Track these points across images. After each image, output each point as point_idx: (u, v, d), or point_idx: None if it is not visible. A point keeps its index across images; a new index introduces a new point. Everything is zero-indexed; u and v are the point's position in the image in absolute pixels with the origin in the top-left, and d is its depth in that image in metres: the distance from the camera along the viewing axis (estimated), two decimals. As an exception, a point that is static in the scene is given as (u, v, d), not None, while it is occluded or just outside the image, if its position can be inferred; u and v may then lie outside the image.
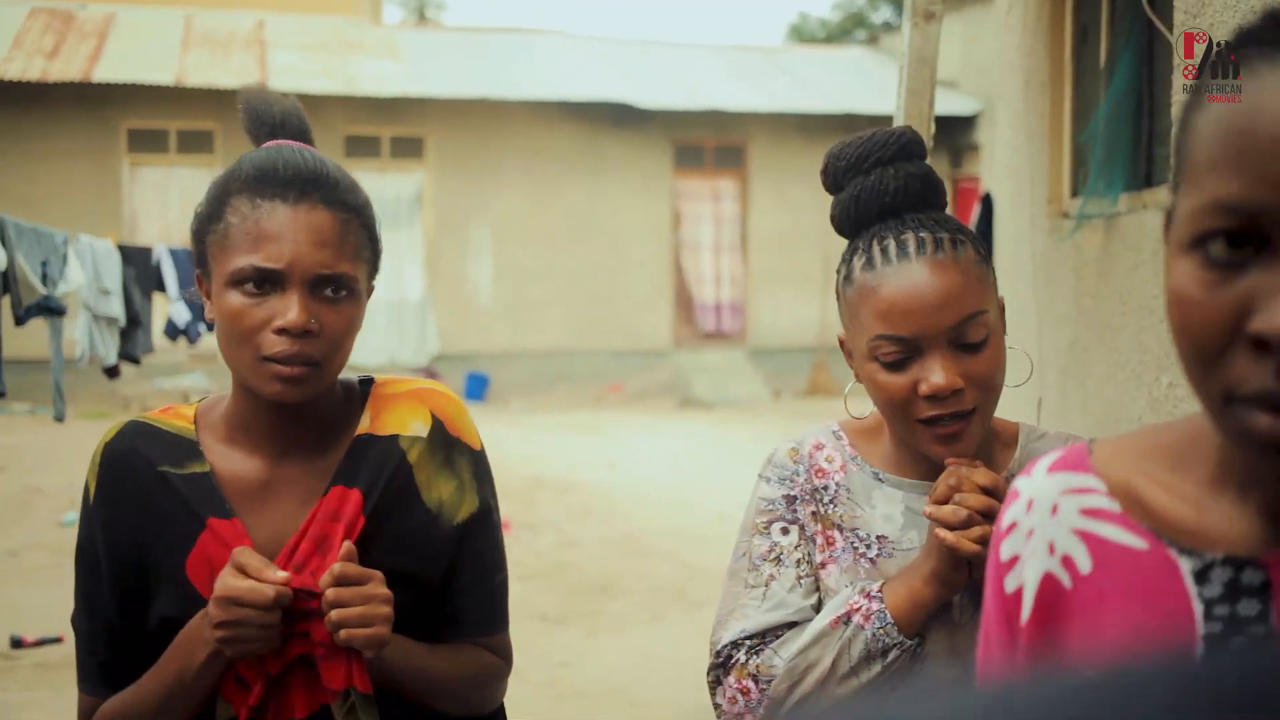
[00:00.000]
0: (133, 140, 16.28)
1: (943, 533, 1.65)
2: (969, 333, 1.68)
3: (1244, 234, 0.89)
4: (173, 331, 8.93)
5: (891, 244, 1.71)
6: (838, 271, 1.81)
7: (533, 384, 17.30)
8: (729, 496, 9.92)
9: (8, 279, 6.26)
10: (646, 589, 7.61)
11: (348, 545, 1.69)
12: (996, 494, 1.66)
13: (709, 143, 18.30)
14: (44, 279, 6.74)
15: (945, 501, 1.68)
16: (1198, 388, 0.95)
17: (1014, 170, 5.97)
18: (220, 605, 1.63)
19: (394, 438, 1.83)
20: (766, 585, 1.82)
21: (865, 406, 1.86)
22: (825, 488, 1.84)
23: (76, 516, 1.89)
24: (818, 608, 1.81)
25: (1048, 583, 1.15)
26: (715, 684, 1.83)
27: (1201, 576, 1.05)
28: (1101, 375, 4.63)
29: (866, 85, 18.19)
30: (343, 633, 1.65)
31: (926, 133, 3.06)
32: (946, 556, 1.67)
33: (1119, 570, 1.10)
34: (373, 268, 1.80)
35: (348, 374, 1.89)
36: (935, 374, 1.67)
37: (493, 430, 14.53)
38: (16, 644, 6.30)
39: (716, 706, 1.83)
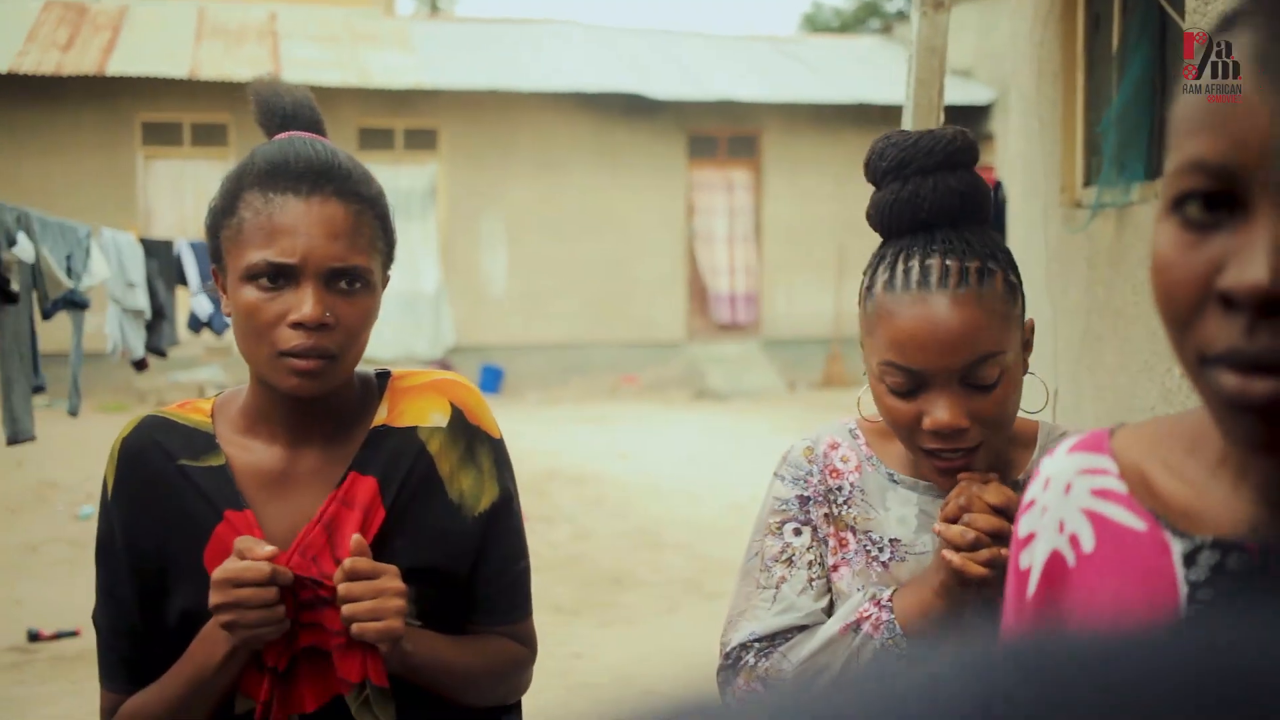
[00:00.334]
0: (147, 133, 16.31)
1: (949, 554, 1.63)
2: (981, 374, 1.64)
3: (1219, 196, 0.90)
4: (195, 324, 8.95)
5: (915, 268, 1.65)
6: (865, 272, 1.76)
7: (547, 376, 17.31)
8: (743, 488, 9.92)
9: (34, 272, 6.28)
10: (660, 580, 7.62)
11: (357, 539, 1.69)
12: (1008, 513, 1.62)
13: (723, 133, 18.27)
14: (68, 273, 6.77)
15: (956, 519, 1.65)
16: (1177, 352, 0.96)
17: (1027, 160, 5.96)
18: (218, 589, 1.64)
19: (413, 429, 1.83)
20: (777, 587, 1.81)
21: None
22: (839, 488, 1.83)
23: (93, 510, 1.90)
24: (829, 610, 1.81)
25: (1054, 560, 1.18)
26: (724, 685, 1.83)
27: (1189, 559, 1.07)
28: (1114, 365, 4.62)
29: (880, 74, 18.13)
30: (355, 626, 1.66)
31: (935, 122, 3.05)
32: (956, 573, 1.64)
33: (1118, 551, 1.13)
34: (387, 258, 1.80)
35: (364, 367, 1.89)
36: (940, 411, 1.64)
37: (507, 422, 14.43)
38: (34, 637, 6.33)
39: None
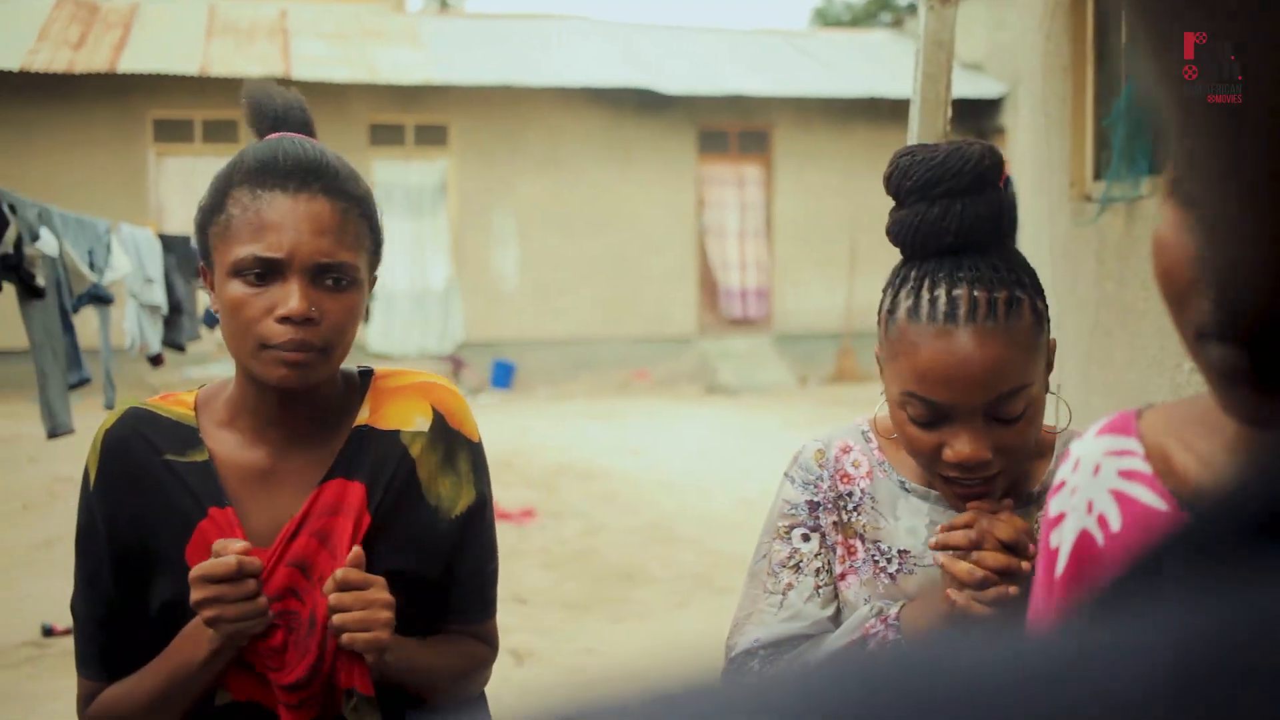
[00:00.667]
0: (158, 130, 16.36)
1: (954, 593, 1.60)
2: (1006, 408, 1.60)
3: None
4: (211, 320, 8.97)
5: (942, 298, 1.60)
6: (884, 291, 1.71)
7: (559, 371, 17.32)
8: (754, 483, 9.92)
9: (58, 267, 6.32)
10: (672, 576, 7.62)
11: (357, 551, 1.72)
12: (1020, 548, 1.60)
13: (733, 128, 18.26)
14: (90, 268, 6.81)
15: (963, 552, 1.62)
16: (1177, 328, 0.99)
17: (1036, 154, 5.95)
18: (195, 586, 1.67)
19: (395, 433, 1.85)
20: (784, 593, 1.81)
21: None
22: (850, 494, 1.82)
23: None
24: (835, 618, 1.80)
25: (1083, 539, 1.23)
26: None
27: None
28: (1124, 360, 4.62)
29: (892, 69, 18.09)
30: (345, 637, 1.69)
31: (943, 117, 3.06)
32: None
33: (1142, 530, 1.17)
34: (374, 257, 1.82)
35: (349, 365, 1.92)
36: (962, 444, 1.61)
37: (519, 418, 14.61)
38: (48, 632, 6.35)
39: None
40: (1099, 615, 0.31)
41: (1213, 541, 0.32)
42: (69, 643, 6.59)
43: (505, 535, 8.87)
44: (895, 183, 1.69)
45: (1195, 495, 1.13)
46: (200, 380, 11.57)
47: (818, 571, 1.81)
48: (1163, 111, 0.39)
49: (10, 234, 5.53)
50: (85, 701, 1.86)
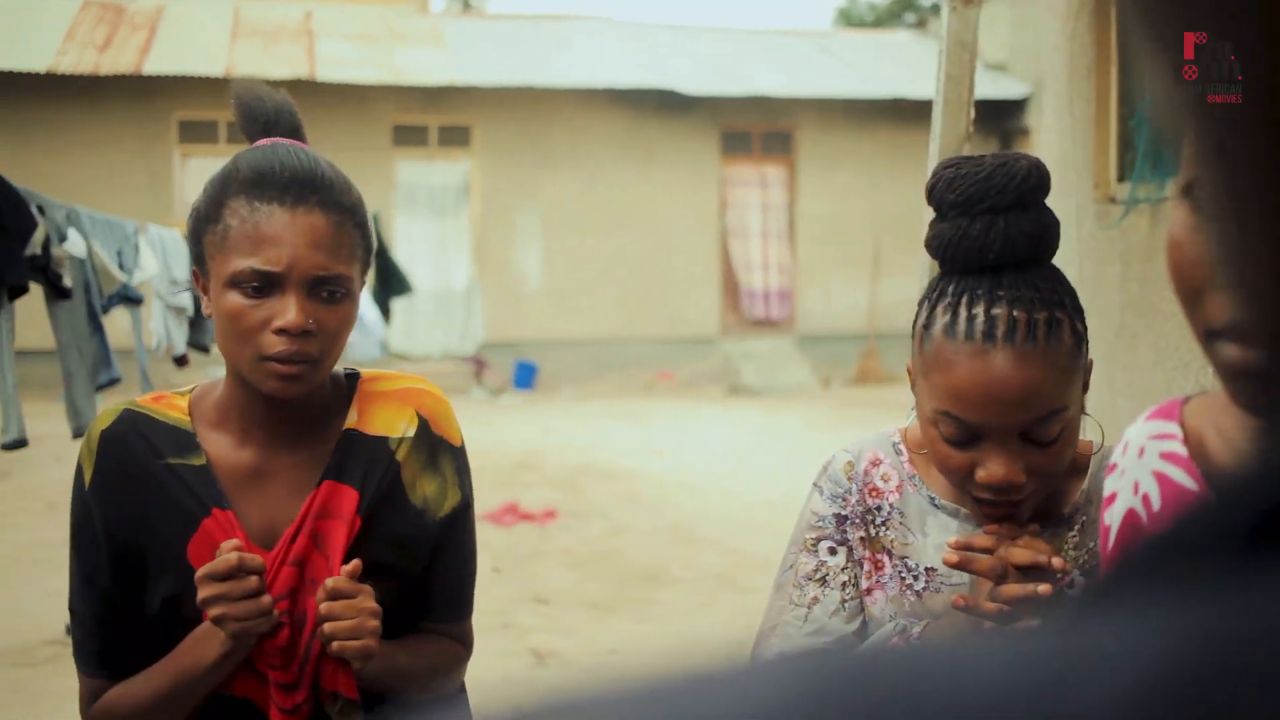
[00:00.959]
0: (183, 131, 16.44)
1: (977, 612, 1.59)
2: (1042, 431, 1.58)
3: None
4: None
5: (980, 317, 1.57)
6: (920, 303, 1.70)
7: (582, 372, 17.33)
8: (777, 484, 9.92)
9: (87, 268, 6.35)
10: (695, 577, 7.62)
11: (357, 563, 1.76)
12: (1042, 572, 1.57)
13: (756, 129, 18.25)
14: (119, 269, 6.84)
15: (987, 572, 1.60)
16: (1191, 325, 1.03)
17: (1060, 155, 5.93)
18: (200, 585, 1.71)
19: (384, 439, 1.88)
20: (810, 607, 1.80)
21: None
22: (878, 508, 1.80)
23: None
24: (860, 631, 1.80)
25: (1129, 518, 1.33)
26: None
27: None
28: (1149, 362, 4.60)
29: (915, 70, 18.04)
30: (335, 644, 1.73)
31: (966, 118, 3.05)
32: None
33: (1175, 509, 1.18)
34: (365, 265, 1.86)
35: (352, 365, 1.97)
36: (996, 466, 1.59)
37: (542, 419, 14.62)
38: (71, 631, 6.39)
39: None
40: (1113, 600, 0.31)
41: (1225, 528, 0.32)
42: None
43: (528, 535, 8.91)
44: (938, 195, 1.66)
45: (1219, 478, 1.16)
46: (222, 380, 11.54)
47: (844, 585, 1.80)
48: (1168, 113, 0.40)
49: (38, 235, 5.56)
50: (88, 699, 1.89)
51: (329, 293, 1.75)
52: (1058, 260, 1.71)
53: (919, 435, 1.76)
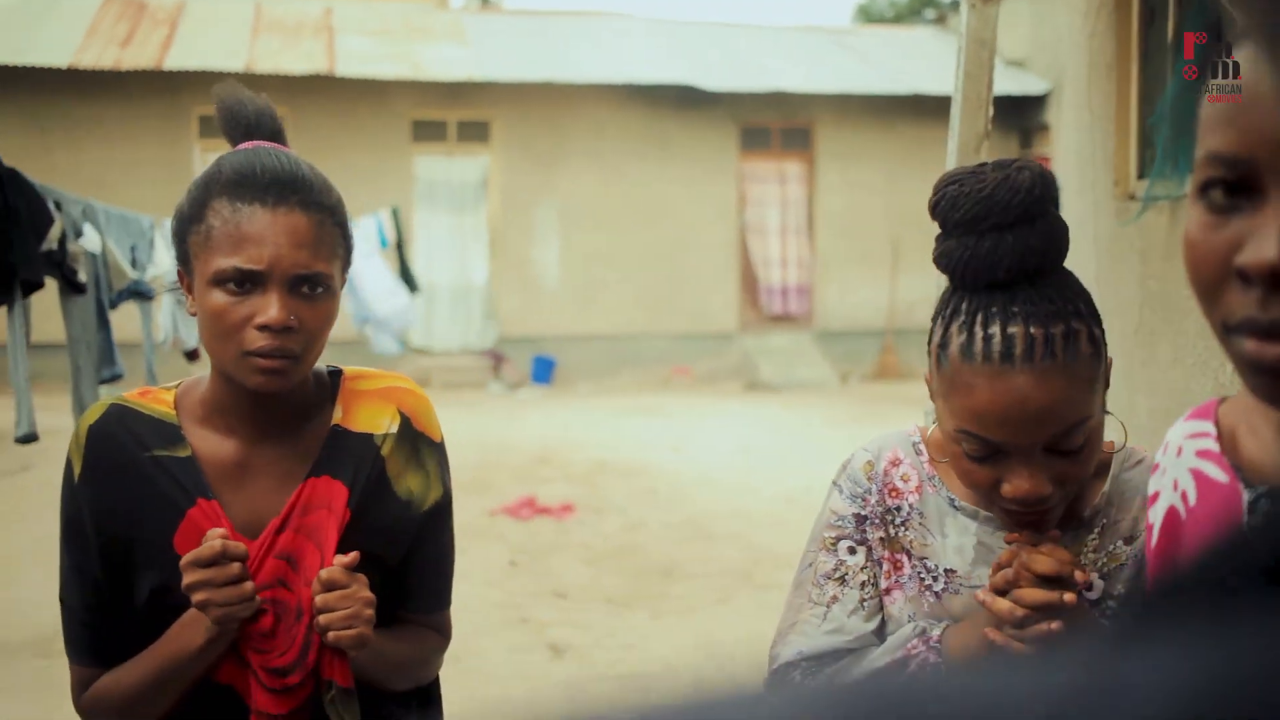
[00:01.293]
0: (204, 126, 16.47)
1: (993, 633, 1.59)
2: (1066, 443, 1.57)
3: (1238, 183, 1.00)
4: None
5: (996, 337, 1.55)
6: (934, 320, 1.66)
7: (599, 367, 17.35)
8: (795, 480, 9.92)
9: (99, 263, 6.38)
10: (712, 572, 7.63)
11: (354, 556, 1.81)
12: (1063, 580, 1.57)
13: (775, 124, 18.22)
14: (133, 264, 6.87)
15: (1003, 590, 1.60)
16: (1208, 320, 1.07)
17: (1079, 152, 5.92)
18: (185, 571, 1.76)
19: (369, 435, 1.94)
20: (829, 606, 1.81)
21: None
22: (898, 509, 1.80)
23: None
24: (880, 631, 1.80)
25: (1170, 515, 1.39)
26: None
27: (1252, 507, 1.25)
28: (1168, 359, 4.60)
29: (935, 66, 17.99)
30: (330, 634, 1.79)
31: (985, 115, 3.05)
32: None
33: (1211, 503, 1.31)
34: (345, 263, 1.90)
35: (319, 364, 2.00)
36: (1022, 480, 1.57)
37: (560, 413, 14.65)
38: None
39: None
40: (1146, 634, 0.32)
41: (1256, 563, 0.33)
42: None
43: (545, 530, 8.92)
44: (942, 213, 1.63)
45: (1254, 474, 1.26)
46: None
47: (863, 585, 1.80)
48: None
49: (55, 231, 5.59)
50: (80, 688, 1.93)
51: (310, 290, 1.79)
52: (1075, 257, 1.70)
53: (939, 438, 1.76)
